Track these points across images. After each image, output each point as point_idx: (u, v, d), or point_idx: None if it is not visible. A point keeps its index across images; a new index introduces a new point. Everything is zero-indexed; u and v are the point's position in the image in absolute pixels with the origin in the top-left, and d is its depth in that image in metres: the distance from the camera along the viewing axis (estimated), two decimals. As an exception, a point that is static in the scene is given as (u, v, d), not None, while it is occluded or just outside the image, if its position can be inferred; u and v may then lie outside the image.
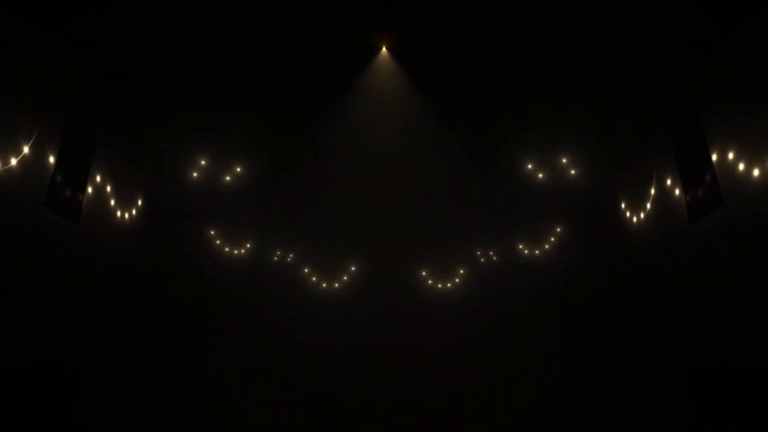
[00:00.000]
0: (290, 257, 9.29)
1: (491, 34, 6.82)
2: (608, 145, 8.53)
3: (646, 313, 8.08)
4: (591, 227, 8.98)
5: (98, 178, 7.52)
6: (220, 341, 8.74)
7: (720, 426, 6.42)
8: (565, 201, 8.94)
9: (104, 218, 7.83)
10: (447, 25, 6.76)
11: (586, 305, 8.68)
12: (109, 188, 7.84)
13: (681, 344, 7.32)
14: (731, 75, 6.28)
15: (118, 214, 8.17)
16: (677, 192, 7.22)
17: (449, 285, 9.29)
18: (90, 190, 7.25)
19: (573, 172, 8.77)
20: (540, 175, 8.84)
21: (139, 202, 8.73)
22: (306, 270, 9.32)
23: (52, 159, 6.54)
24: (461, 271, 9.29)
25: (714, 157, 6.44)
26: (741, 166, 6.04)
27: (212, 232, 9.19)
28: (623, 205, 8.74)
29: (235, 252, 9.20)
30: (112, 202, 7.98)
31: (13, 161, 5.92)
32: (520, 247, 9.20)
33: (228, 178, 8.89)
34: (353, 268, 9.35)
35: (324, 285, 9.32)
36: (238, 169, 8.90)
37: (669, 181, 7.51)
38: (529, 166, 8.83)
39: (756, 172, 5.81)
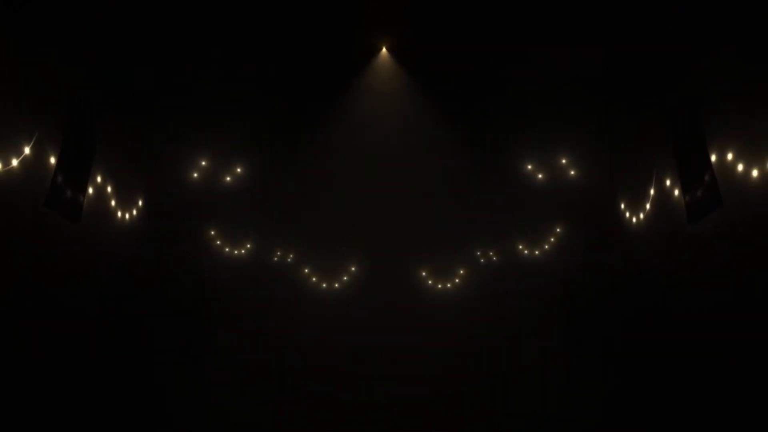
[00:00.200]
0: (290, 257, 9.30)
1: (491, 34, 6.82)
2: (608, 145, 8.55)
3: (646, 313, 8.06)
4: (591, 227, 8.98)
5: (99, 179, 7.52)
6: (220, 341, 8.75)
7: (720, 426, 6.42)
8: (565, 201, 8.94)
9: (104, 218, 7.82)
10: (447, 26, 6.76)
11: (586, 305, 8.70)
12: (109, 188, 7.84)
13: (681, 344, 7.31)
14: (731, 75, 6.27)
15: (119, 214, 8.16)
16: (677, 192, 7.22)
17: (449, 285, 9.30)
18: (90, 190, 7.24)
19: (573, 172, 8.78)
20: (540, 175, 8.84)
21: (140, 203, 8.73)
22: (306, 270, 9.33)
23: (52, 159, 6.53)
24: (461, 272, 9.30)
25: (713, 158, 6.43)
26: (740, 167, 6.03)
27: (212, 232, 9.20)
28: (623, 206, 8.73)
29: (235, 252, 9.20)
30: (113, 203, 7.98)
31: (14, 162, 5.92)
32: (520, 247, 9.21)
33: (228, 178, 8.91)
34: (353, 268, 9.35)
35: (324, 285, 9.32)
36: (239, 169, 8.91)
37: (669, 182, 7.50)
38: (529, 166, 8.84)
39: (755, 173, 5.80)
